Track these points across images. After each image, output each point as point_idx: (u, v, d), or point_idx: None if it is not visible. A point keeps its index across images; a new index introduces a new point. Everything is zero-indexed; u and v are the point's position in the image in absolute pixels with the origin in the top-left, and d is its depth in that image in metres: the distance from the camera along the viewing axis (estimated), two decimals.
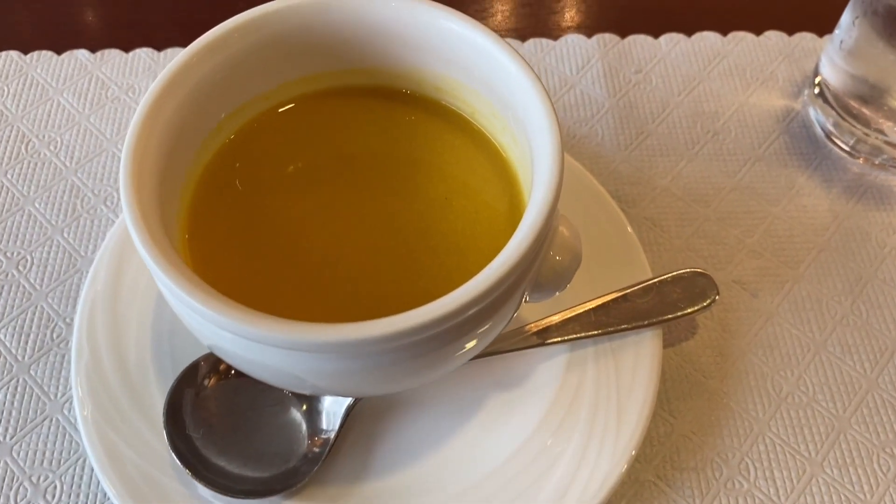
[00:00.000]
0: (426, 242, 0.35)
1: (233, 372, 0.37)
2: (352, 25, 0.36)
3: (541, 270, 0.32)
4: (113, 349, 0.38)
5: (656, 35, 0.53)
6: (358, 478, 0.37)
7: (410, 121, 0.39)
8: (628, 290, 0.40)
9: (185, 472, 0.34)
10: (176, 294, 0.28)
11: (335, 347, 0.28)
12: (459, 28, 0.34)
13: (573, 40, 0.53)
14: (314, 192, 0.37)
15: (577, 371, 0.39)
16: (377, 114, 0.39)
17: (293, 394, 0.37)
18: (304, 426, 0.36)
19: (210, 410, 0.36)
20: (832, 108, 0.48)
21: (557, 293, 0.35)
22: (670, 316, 0.39)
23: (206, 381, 0.37)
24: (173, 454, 0.35)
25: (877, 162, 0.47)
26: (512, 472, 0.36)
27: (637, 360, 0.38)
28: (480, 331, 0.31)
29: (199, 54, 0.34)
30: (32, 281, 0.43)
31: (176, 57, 0.33)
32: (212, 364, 0.37)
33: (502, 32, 0.54)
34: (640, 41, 0.53)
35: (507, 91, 0.34)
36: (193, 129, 0.35)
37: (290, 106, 0.39)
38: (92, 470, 0.38)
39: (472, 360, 0.37)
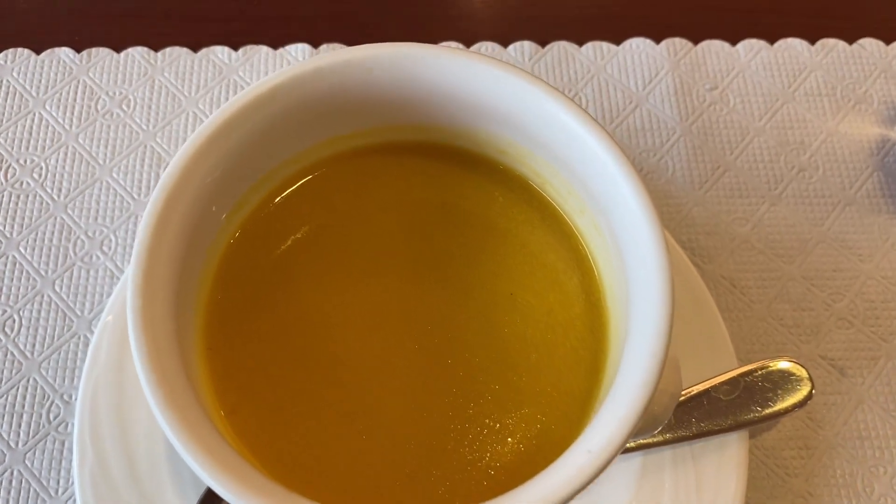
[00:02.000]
0: (490, 356, 0.30)
1: None
2: (398, 85, 0.29)
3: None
4: (122, 452, 0.33)
5: (734, 41, 0.46)
6: None
7: (468, 182, 0.33)
8: (711, 384, 0.35)
9: None
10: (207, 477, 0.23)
11: None
12: (561, 114, 0.27)
13: (638, 45, 0.46)
14: (348, 290, 0.31)
15: (651, 479, 0.34)
16: (426, 173, 0.33)
17: None
18: None
19: None
20: None
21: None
22: (758, 415, 0.34)
23: None
24: None
25: None
26: None
27: (720, 468, 0.34)
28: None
29: (213, 138, 0.27)
30: (22, 347, 0.38)
31: (185, 145, 0.27)
32: None
33: (557, 31, 0.46)
34: (715, 48, 0.46)
35: (597, 182, 0.28)
36: (207, 224, 0.28)
37: (320, 171, 0.32)
38: None
39: None
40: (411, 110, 0.31)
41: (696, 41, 0.46)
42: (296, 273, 0.30)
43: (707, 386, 0.35)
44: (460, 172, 0.33)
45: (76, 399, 0.35)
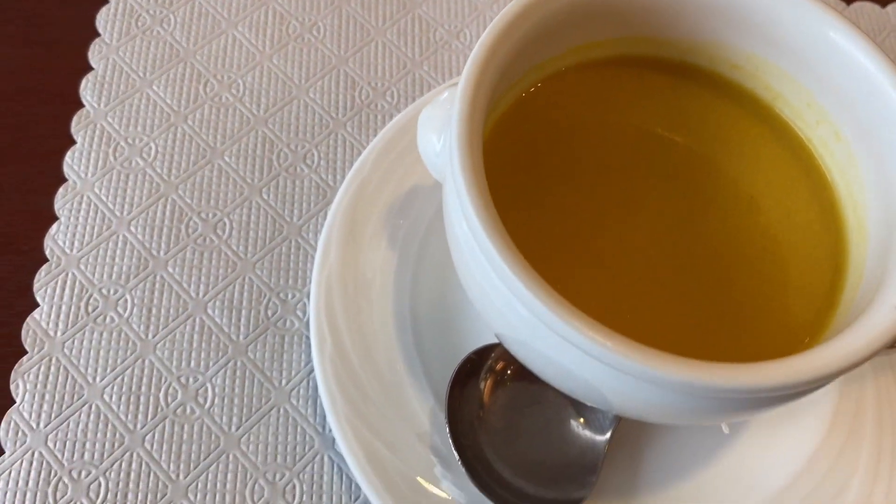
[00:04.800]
0: (739, 249, 0.31)
1: (508, 372, 0.34)
2: None
3: None
4: (357, 337, 0.35)
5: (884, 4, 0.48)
6: (629, 494, 0.34)
7: (699, 99, 0.34)
8: None
9: (469, 479, 0.31)
10: (510, 282, 0.24)
11: (700, 390, 0.24)
12: (839, 37, 0.30)
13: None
14: (605, 165, 0.33)
15: (854, 386, 0.36)
16: (663, 91, 0.35)
17: (566, 404, 0.34)
18: (579, 438, 0.33)
19: (489, 414, 0.33)
20: None
21: None
22: None
23: (482, 382, 0.33)
24: (457, 457, 0.32)
25: None
26: (796, 496, 0.34)
27: None
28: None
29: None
30: (235, 248, 0.39)
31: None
32: (489, 363, 0.33)
33: None
34: (866, 9, 0.48)
35: (846, 80, 0.30)
36: (508, 78, 0.30)
37: (574, 71, 0.34)
38: (333, 469, 0.35)
39: None
40: (652, 22, 0.33)
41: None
42: (554, 144, 0.32)
43: None
44: (692, 87, 0.35)
45: (308, 293, 0.37)
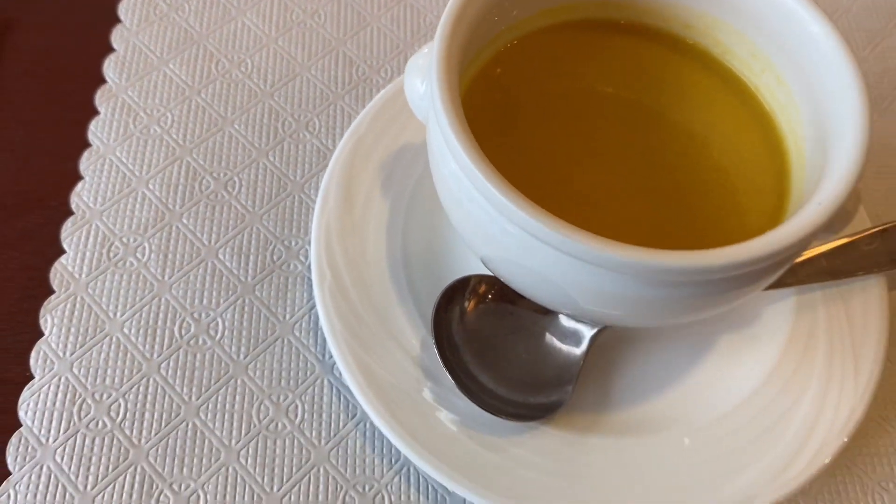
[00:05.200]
0: (694, 176, 0.35)
1: (490, 296, 0.37)
2: None
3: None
4: (354, 273, 0.38)
5: None
6: (602, 408, 0.37)
7: (657, 55, 0.39)
8: (855, 237, 0.40)
9: (454, 386, 0.35)
10: (489, 194, 0.28)
11: (653, 272, 0.28)
12: None
13: None
14: (574, 109, 0.37)
15: (807, 315, 0.39)
16: (625, 49, 0.39)
17: (544, 321, 0.37)
18: (555, 354, 0.37)
19: (471, 331, 0.36)
20: None
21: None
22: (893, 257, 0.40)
23: (465, 303, 0.37)
24: (444, 367, 0.35)
25: None
26: (754, 410, 0.37)
27: (866, 305, 0.39)
28: (780, 271, 0.31)
29: None
30: (244, 202, 0.43)
31: None
32: (471, 287, 0.37)
33: None
34: None
35: (786, 31, 0.34)
36: (481, 33, 0.35)
37: (545, 32, 0.38)
38: (332, 391, 0.38)
39: None
40: None
41: None
42: (531, 92, 0.37)
43: (852, 239, 0.40)
44: (651, 45, 0.39)
45: (310, 241, 0.41)
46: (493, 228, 0.30)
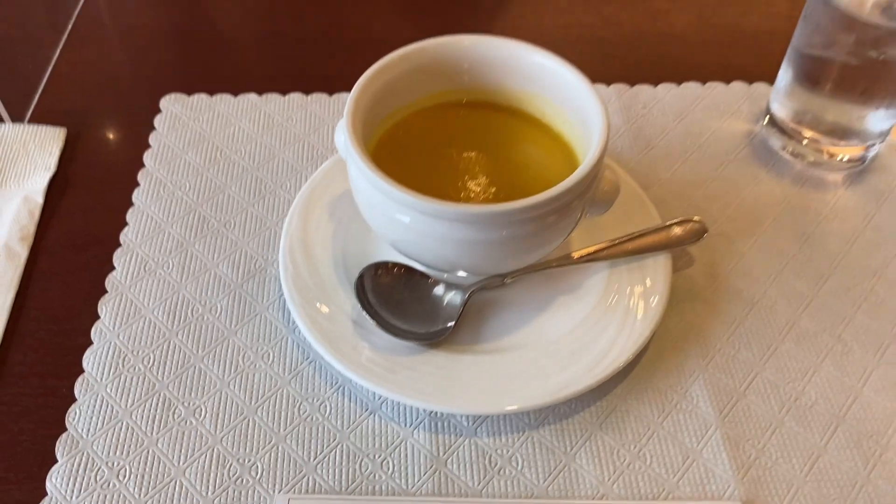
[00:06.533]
0: (521, 173, 0.56)
1: (395, 271, 0.56)
2: (468, 58, 0.58)
3: (595, 193, 0.52)
4: (309, 266, 0.58)
5: (655, 84, 0.76)
6: (475, 340, 0.55)
7: (501, 120, 0.60)
8: (648, 230, 0.60)
9: (373, 323, 0.53)
10: (375, 183, 0.48)
11: (480, 217, 0.47)
12: (544, 60, 0.56)
13: (597, 88, 0.75)
14: (449, 151, 0.57)
15: (616, 278, 0.58)
16: (481, 118, 0.60)
17: (433, 283, 0.56)
18: (441, 306, 0.55)
19: (384, 292, 0.55)
20: (780, 130, 0.70)
21: (604, 212, 0.55)
22: (676, 244, 0.59)
23: (378, 277, 0.56)
24: (365, 313, 0.53)
25: (811, 160, 0.68)
26: (576, 336, 0.55)
27: (655, 273, 0.58)
28: (566, 218, 0.50)
29: (387, 63, 0.55)
30: (237, 235, 0.63)
31: (374, 65, 0.55)
32: (382, 268, 0.56)
33: None
34: (644, 89, 0.75)
35: (572, 96, 0.56)
36: (379, 111, 0.56)
37: (425, 110, 0.60)
38: (292, 345, 0.56)
39: (542, 271, 0.57)
40: (472, 76, 0.59)
41: (631, 85, 0.76)
42: (421, 141, 0.58)
43: (644, 231, 0.60)
44: (496, 114, 0.60)
45: (279, 251, 0.60)
46: (391, 212, 0.50)
